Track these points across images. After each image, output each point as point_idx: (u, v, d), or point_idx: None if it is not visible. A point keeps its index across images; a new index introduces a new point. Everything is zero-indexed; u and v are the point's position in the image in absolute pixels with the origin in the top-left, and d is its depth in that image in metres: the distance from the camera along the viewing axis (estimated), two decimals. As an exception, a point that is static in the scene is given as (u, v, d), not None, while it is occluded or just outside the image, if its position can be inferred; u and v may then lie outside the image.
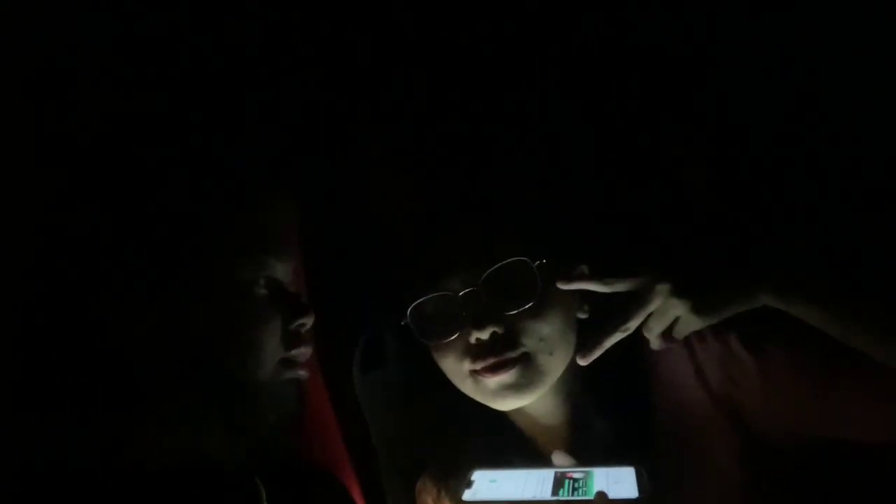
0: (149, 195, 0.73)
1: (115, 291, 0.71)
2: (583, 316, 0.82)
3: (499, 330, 0.76)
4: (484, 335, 0.76)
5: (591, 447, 0.81)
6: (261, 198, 0.78)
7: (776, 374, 0.76)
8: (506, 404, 0.79)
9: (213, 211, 0.74)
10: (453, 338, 0.78)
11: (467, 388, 0.80)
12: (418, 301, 0.80)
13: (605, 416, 0.82)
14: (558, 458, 0.71)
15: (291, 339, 0.75)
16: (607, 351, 0.77)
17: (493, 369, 0.76)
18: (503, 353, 0.76)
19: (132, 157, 0.76)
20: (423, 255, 0.81)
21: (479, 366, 0.77)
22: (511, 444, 0.85)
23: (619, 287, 0.75)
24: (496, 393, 0.78)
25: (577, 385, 0.84)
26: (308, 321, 0.76)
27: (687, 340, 0.78)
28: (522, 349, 0.77)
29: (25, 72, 0.80)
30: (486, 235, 0.79)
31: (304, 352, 0.76)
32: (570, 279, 0.77)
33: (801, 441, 0.75)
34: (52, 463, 0.66)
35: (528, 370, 0.77)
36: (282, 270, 0.76)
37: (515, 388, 0.77)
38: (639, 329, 0.76)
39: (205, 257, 0.72)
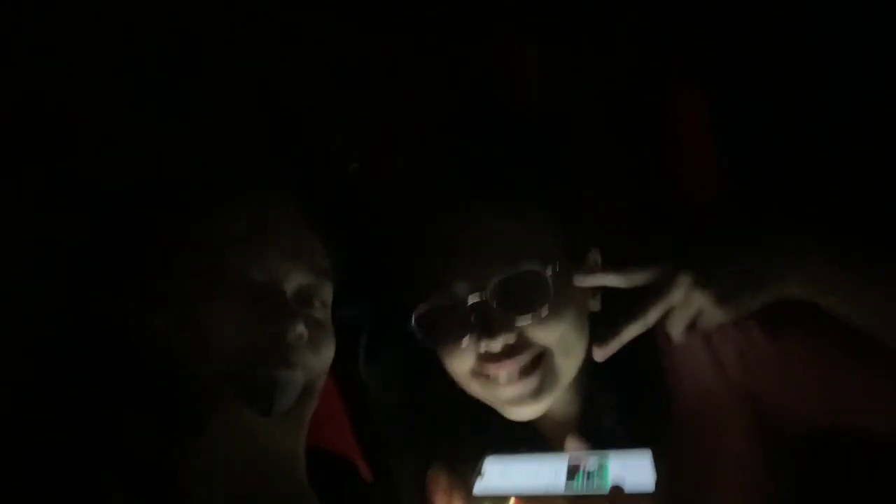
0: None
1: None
2: (595, 308, 0.80)
3: (510, 340, 0.74)
4: (495, 346, 0.73)
5: (604, 439, 0.78)
6: (251, 192, 0.75)
7: (793, 362, 0.74)
8: (522, 414, 0.77)
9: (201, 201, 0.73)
10: (461, 347, 0.76)
11: (479, 394, 0.79)
12: (424, 308, 0.77)
13: (617, 407, 0.80)
14: (572, 443, 0.69)
15: (263, 341, 0.70)
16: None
17: (508, 379, 0.74)
18: (516, 359, 0.74)
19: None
20: (429, 261, 0.77)
21: (490, 372, 0.75)
22: (522, 438, 0.82)
23: (639, 280, 0.71)
24: (513, 402, 0.76)
25: (589, 376, 0.82)
26: (285, 330, 0.71)
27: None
28: (536, 353, 0.75)
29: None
30: (494, 241, 0.75)
31: (284, 355, 0.71)
32: (587, 275, 0.74)
33: (816, 430, 0.73)
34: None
35: (544, 376, 0.75)
36: (275, 266, 0.73)
37: (533, 396, 0.75)
38: None
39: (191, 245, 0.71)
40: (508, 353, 0.74)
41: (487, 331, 0.73)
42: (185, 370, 0.68)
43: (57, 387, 0.68)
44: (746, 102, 0.93)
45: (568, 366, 0.76)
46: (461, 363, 0.77)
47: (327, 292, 0.78)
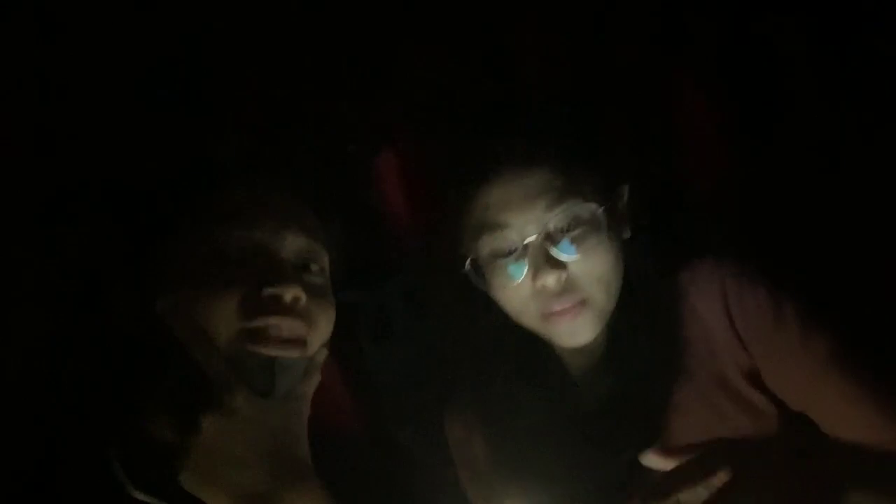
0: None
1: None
2: (626, 236, 0.83)
3: (564, 275, 0.76)
4: (550, 283, 0.76)
5: (622, 368, 0.82)
6: (232, 171, 0.75)
7: (785, 333, 0.77)
8: (574, 342, 0.80)
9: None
10: (516, 284, 0.78)
11: (534, 326, 0.81)
12: (481, 250, 0.80)
13: (636, 340, 0.83)
14: (651, 459, 0.67)
15: (257, 307, 0.70)
16: (640, 285, 0.79)
17: (562, 313, 0.77)
18: (569, 297, 0.77)
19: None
20: (482, 202, 0.79)
21: (546, 310, 0.78)
22: (545, 374, 0.87)
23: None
24: (567, 335, 0.79)
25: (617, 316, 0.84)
26: (282, 292, 0.70)
27: (722, 290, 0.79)
28: (587, 292, 0.78)
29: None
30: (547, 180, 0.78)
31: (277, 324, 0.70)
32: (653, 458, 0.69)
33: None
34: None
35: (593, 311, 0.78)
36: (265, 237, 0.73)
37: (586, 329, 0.78)
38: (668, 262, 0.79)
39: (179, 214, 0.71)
40: (563, 288, 0.77)
41: (543, 269, 0.76)
42: (186, 355, 0.68)
43: (67, 372, 0.69)
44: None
45: (611, 299, 0.80)
46: (519, 303, 0.80)
47: (323, 258, 0.78)
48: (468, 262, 0.81)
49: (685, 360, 0.80)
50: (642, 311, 0.82)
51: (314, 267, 0.77)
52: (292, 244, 0.75)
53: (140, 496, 0.64)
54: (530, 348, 0.86)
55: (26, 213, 0.77)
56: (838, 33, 0.92)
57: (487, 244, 0.79)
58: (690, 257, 0.84)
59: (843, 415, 0.74)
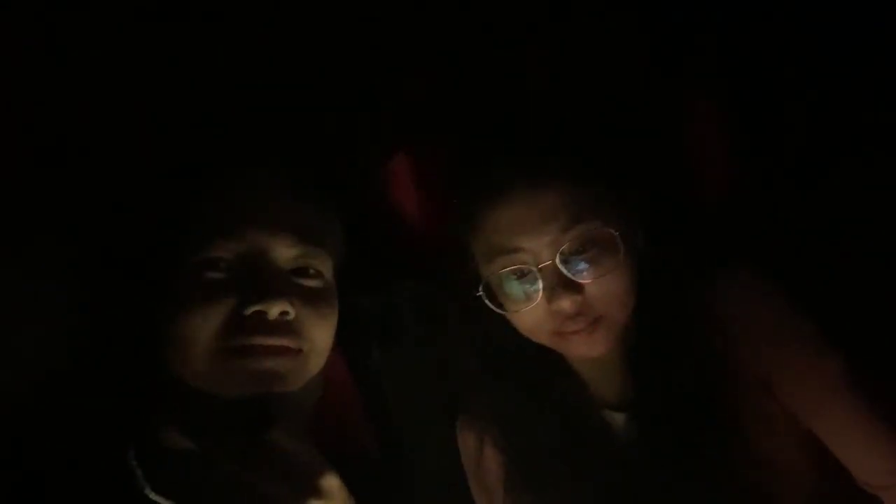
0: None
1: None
2: (640, 245, 0.81)
3: (579, 298, 0.75)
4: (566, 306, 0.75)
5: (643, 380, 0.82)
6: (225, 174, 0.74)
7: (800, 347, 0.77)
8: (588, 356, 0.80)
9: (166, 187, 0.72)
10: (531, 307, 0.77)
11: (548, 342, 0.81)
12: (493, 273, 0.79)
13: (653, 353, 0.82)
14: None
15: (241, 325, 0.67)
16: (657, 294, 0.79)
17: (577, 332, 0.77)
18: (585, 318, 0.76)
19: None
20: (493, 225, 0.78)
21: (562, 330, 0.77)
22: (561, 382, 0.87)
23: None
24: (579, 350, 0.79)
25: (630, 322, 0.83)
26: (266, 308, 0.67)
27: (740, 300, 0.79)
28: (602, 311, 0.76)
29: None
30: (561, 201, 0.76)
31: (266, 338, 0.68)
32: None
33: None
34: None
35: (608, 327, 0.77)
36: (254, 248, 0.70)
37: (600, 343, 0.78)
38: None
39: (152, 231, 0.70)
40: (578, 311, 0.76)
41: (558, 293, 0.74)
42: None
43: (88, 375, 0.70)
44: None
45: (626, 314, 0.79)
46: (533, 325, 0.79)
47: (325, 262, 0.76)
48: (481, 286, 0.80)
49: (715, 366, 0.79)
50: (664, 320, 0.81)
51: (312, 271, 0.74)
52: (286, 251, 0.72)
53: (157, 499, 0.65)
54: (541, 358, 0.85)
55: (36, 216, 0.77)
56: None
57: (500, 267, 0.78)
58: (707, 267, 0.83)
59: (849, 436, 0.74)
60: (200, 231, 0.70)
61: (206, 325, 0.67)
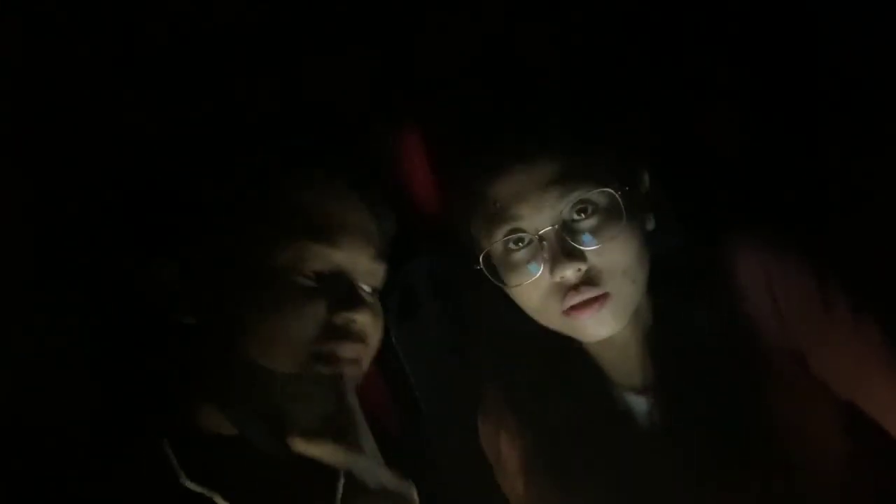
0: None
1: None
2: (650, 227, 0.80)
3: (583, 266, 0.73)
4: (568, 274, 0.73)
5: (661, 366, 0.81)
6: (306, 180, 0.75)
7: (836, 316, 0.75)
8: (598, 337, 0.77)
9: (250, 192, 0.73)
10: (533, 279, 0.75)
11: (555, 324, 0.78)
12: (494, 244, 0.77)
13: (671, 332, 0.81)
14: None
15: (331, 332, 0.70)
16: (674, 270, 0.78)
17: (584, 307, 0.74)
18: (591, 289, 0.74)
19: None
20: (491, 196, 0.76)
21: (567, 304, 0.75)
22: (579, 367, 0.85)
23: None
24: (588, 329, 0.76)
25: (645, 301, 0.82)
26: (356, 317, 0.71)
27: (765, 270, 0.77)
28: (609, 283, 0.74)
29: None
30: (559, 167, 0.74)
31: (346, 347, 0.71)
32: None
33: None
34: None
35: (617, 303, 0.75)
36: (343, 259, 0.73)
37: (609, 322, 0.75)
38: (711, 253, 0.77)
39: (238, 237, 0.71)
40: (578, 282, 0.74)
41: (560, 261, 0.72)
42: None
43: (123, 362, 0.70)
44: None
45: (636, 291, 0.77)
46: (537, 300, 0.77)
47: (382, 277, 0.78)
48: (480, 258, 0.78)
49: (740, 343, 0.77)
50: (685, 296, 0.79)
51: (371, 288, 0.77)
52: (367, 268, 0.75)
53: (192, 486, 0.65)
54: (558, 344, 0.83)
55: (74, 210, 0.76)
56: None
57: (500, 238, 0.76)
58: (722, 238, 0.80)
59: (892, 402, 0.73)
60: (294, 236, 0.72)
61: (299, 327, 0.69)
